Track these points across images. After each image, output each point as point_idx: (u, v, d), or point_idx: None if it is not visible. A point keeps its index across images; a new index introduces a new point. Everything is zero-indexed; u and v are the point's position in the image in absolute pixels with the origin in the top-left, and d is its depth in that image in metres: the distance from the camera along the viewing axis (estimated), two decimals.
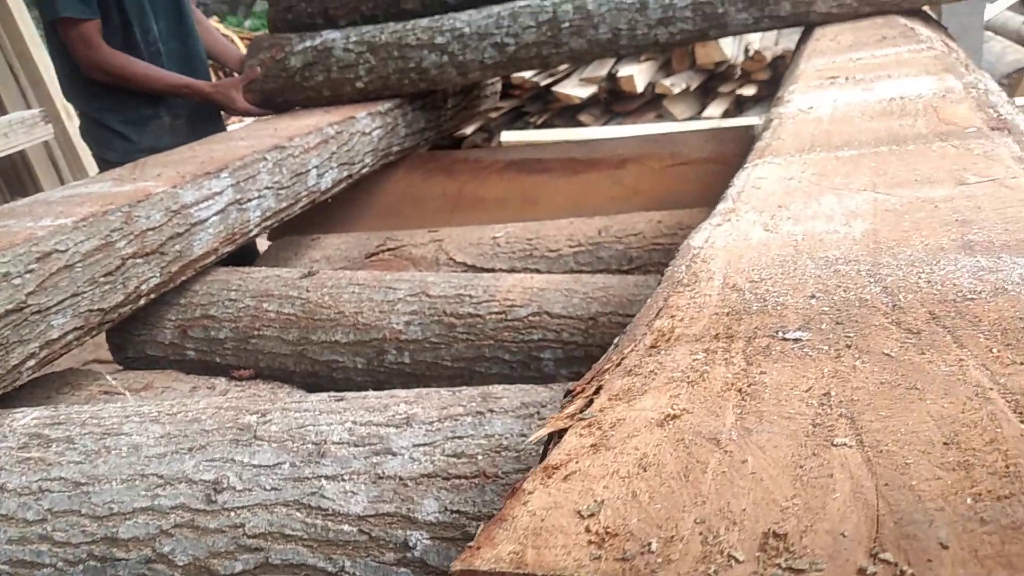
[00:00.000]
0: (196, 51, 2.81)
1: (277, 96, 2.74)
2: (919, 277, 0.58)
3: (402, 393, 1.27)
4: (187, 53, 2.77)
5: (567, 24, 2.08)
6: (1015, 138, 0.87)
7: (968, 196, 0.72)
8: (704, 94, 4.78)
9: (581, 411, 0.50)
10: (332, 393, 1.37)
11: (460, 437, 1.12)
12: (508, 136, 4.46)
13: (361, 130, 2.48)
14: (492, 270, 2.30)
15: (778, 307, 0.58)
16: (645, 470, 0.41)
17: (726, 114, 4.58)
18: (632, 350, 0.56)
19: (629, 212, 2.43)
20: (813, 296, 0.59)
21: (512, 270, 2.29)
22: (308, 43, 2.65)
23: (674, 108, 4.68)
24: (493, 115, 4.55)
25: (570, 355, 1.68)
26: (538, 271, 2.27)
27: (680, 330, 0.58)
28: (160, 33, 2.67)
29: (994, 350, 0.47)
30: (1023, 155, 0.81)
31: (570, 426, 0.48)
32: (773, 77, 4.49)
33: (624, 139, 2.71)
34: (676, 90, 4.55)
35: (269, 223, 2.20)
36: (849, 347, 0.50)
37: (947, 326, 0.50)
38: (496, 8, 2.28)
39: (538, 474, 0.43)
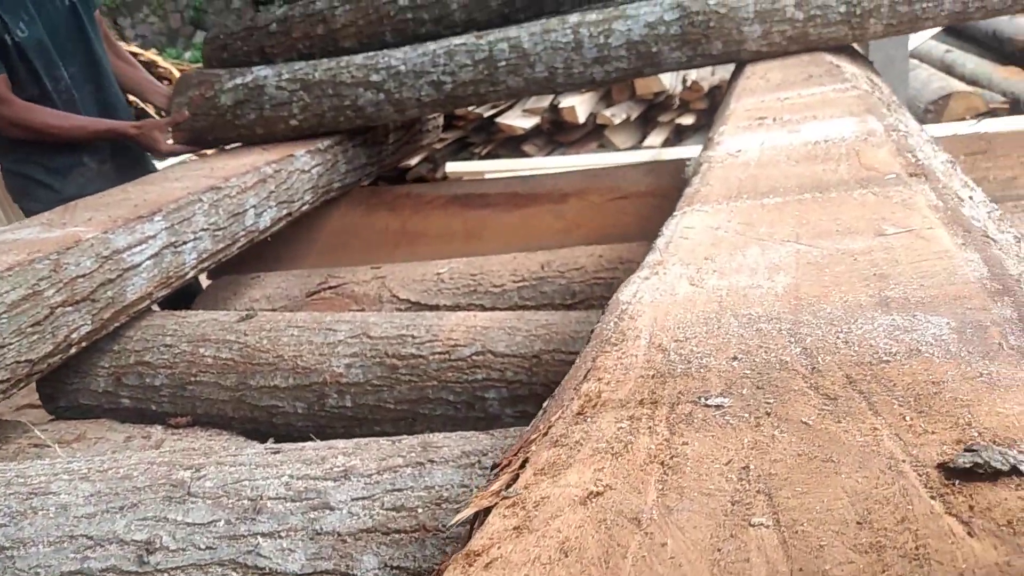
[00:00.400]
0: (113, 93, 2.70)
1: (207, 134, 2.69)
2: (837, 337, 0.59)
3: (340, 444, 1.24)
4: (103, 96, 2.67)
5: (503, 63, 2.09)
6: (931, 184, 0.89)
7: (886, 248, 0.74)
8: (644, 123, 4.86)
9: (507, 486, 0.49)
10: (268, 445, 1.34)
11: (400, 489, 1.10)
12: (453, 167, 4.47)
13: (300, 168, 2.45)
14: (436, 307, 2.29)
15: (701, 369, 0.59)
16: (566, 555, 0.41)
17: (666, 143, 4.67)
18: (559, 417, 0.56)
19: (571, 246, 2.45)
20: (735, 358, 0.59)
21: (456, 306, 2.28)
22: (239, 80, 2.61)
23: (615, 138, 4.75)
24: (437, 146, 4.56)
25: (515, 394, 1.68)
26: (482, 307, 2.26)
27: (606, 394, 0.58)
28: (72, 79, 2.55)
29: (907, 418, 0.47)
30: (939, 203, 0.83)
31: (495, 504, 0.47)
32: (711, 106, 4.60)
33: (565, 174, 2.74)
34: (617, 120, 4.63)
35: (206, 265, 2.16)
36: (769, 415, 0.51)
37: (863, 391, 0.51)
38: (431, 45, 2.27)
39: (459, 561, 0.42)
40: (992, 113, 4.81)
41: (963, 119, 4.71)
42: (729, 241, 0.85)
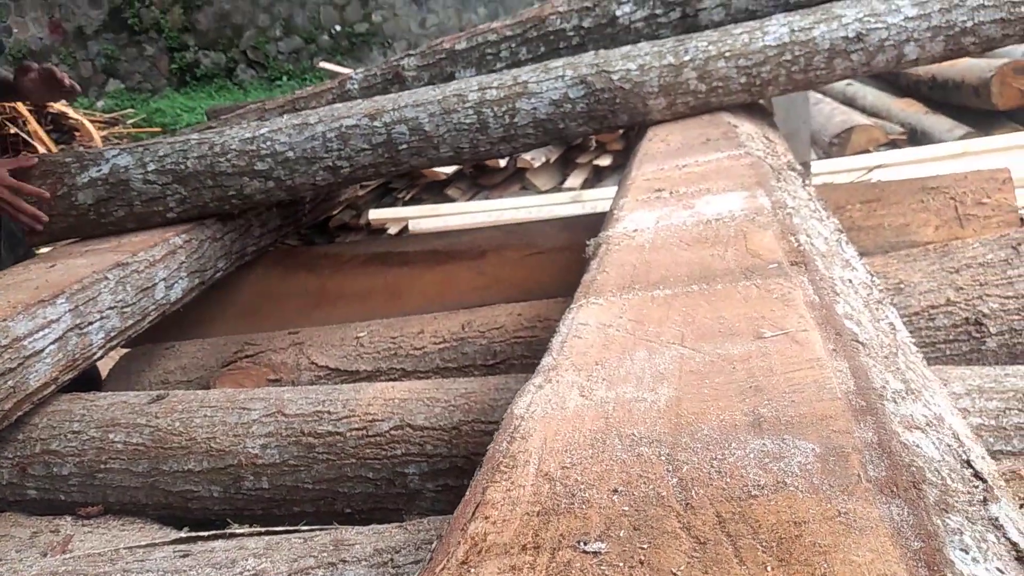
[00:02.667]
0: None
1: (71, 234, 2.39)
2: (712, 466, 0.61)
3: (251, 544, 1.22)
4: None
5: (405, 146, 2.08)
6: (811, 276, 0.93)
7: (763, 354, 0.77)
8: (564, 165, 4.94)
9: None
10: (177, 546, 1.30)
11: None
12: (376, 214, 4.46)
13: (211, 236, 2.41)
14: (356, 372, 2.27)
15: (583, 504, 0.60)
16: None
17: (585, 183, 4.75)
18: (444, 568, 0.56)
19: (491, 301, 2.46)
20: (616, 490, 0.61)
21: (377, 371, 2.26)
22: (94, 173, 2.30)
23: (536, 180, 4.82)
24: (360, 193, 4.54)
25: (435, 468, 1.67)
26: (403, 371, 2.25)
27: (492, 537, 0.58)
28: None
29: (769, 568, 0.49)
30: (815, 298, 0.87)
31: None
32: (626, 146, 4.70)
33: (483, 230, 2.76)
34: (537, 163, 4.69)
35: (114, 343, 2.09)
36: (642, 563, 0.52)
37: (731, 533, 0.53)
38: (319, 127, 2.16)
39: None
40: (892, 144, 5.05)
41: (866, 150, 4.94)
42: (619, 342, 0.87)
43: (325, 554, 1.14)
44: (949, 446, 0.63)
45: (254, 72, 10.29)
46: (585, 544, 0.55)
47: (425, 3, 10.04)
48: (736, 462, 0.61)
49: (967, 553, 0.48)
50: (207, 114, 3.44)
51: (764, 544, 0.51)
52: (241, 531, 1.49)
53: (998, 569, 0.48)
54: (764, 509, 0.55)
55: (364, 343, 2.31)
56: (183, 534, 1.61)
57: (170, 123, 8.62)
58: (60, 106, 7.22)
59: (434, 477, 1.67)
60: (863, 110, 5.87)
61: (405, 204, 4.75)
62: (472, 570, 0.55)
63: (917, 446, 0.60)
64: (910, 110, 5.61)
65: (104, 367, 2.63)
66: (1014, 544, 0.52)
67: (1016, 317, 1.72)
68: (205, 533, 1.45)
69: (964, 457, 0.63)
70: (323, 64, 8.40)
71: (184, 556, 1.22)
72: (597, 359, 0.84)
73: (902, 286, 1.80)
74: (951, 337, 1.73)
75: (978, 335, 1.73)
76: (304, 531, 1.40)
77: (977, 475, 0.60)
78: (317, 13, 10.00)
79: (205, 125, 2.88)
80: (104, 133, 7.74)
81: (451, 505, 1.65)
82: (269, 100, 2.92)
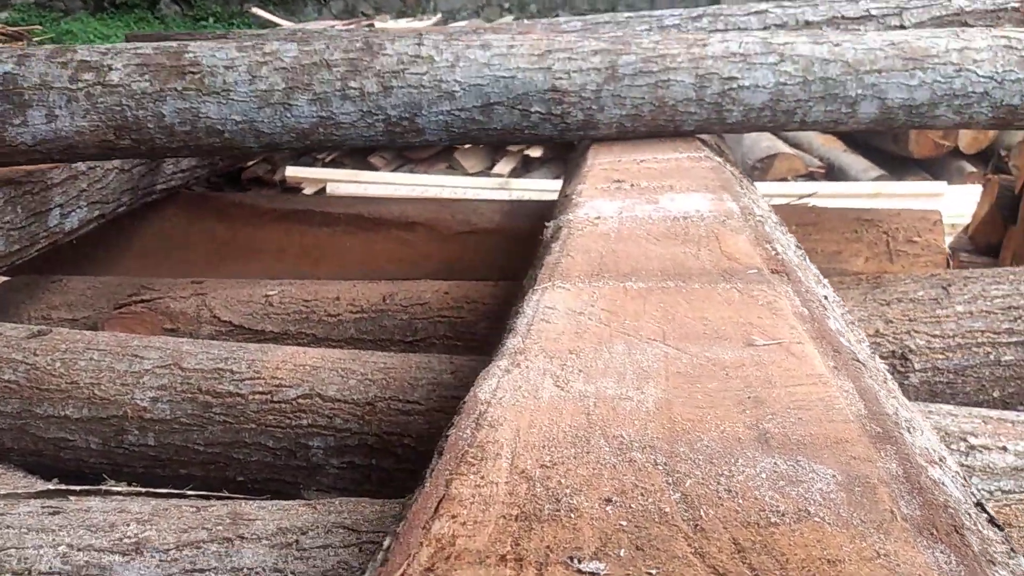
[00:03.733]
0: None
1: None
2: (719, 483, 0.53)
3: (135, 507, 1.08)
4: None
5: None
6: (794, 286, 0.88)
7: (758, 363, 0.70)
8: (495, 151, 4.85)
9: None
10: (46, 500, 1.15)
11: (202, 571, 0.96)
12: (293, 171, 4.25)
13: (118, 167, 2.21)
14: (261, 333, 2.12)
15: (572, 513, 0.51)
16: None
17: (513, 172, 4.68)
18: (404, 574, 0.47)
19: (416, 276, 2.35)
20: (609, 500, 0.52)
21: (285, 334, 2.12)
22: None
23: (465, 162, 4.71)
24: None
25: (343, 443, 1.56)
26: (314, 337, 2.11)
27: (462, 542, 0.49)
28: None
29: None
30: (803, 310, 0.81)
31: None
32: (559, 142, 4.65)
33: (414, 200, 2.64)
34: (467, 144, 4.58)
35: None
36: None
37: (754, 567, 0.46)
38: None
39: None
40: (810, 176, 5.19)
41: (785, 179, 5.06)
42: (594, 332, 0.79)
43: (220, 527, 1.01)
44: (963, 486, 0.58)
45: (178, 9, 9.74)
46: (579, 562, 0.47)
47: None
48: (747, 481, 0.53)
49: None
50: (126, 38, 3.18)
51: None
52: (119, 489, 1.34)
53: None
54: (789, 541, 0.48)
55: (274, 302, 2.16)
56: (51, 485, 1.45)
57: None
58: None
59: (340, 453, 1.55)
60: (786, 140, 6.02)
61: (325, 165, 4.56)
62: None
63: (943, 484, 0.54)
64: (830, 146, 5.78)
65: None
66: None
67: (940, 356, 1.74)
68: (77, 487, 1.29)
69: (976, 499, 0.57)
70: (255, 10, 8.03)
71: (54, 513, 1.07)
72: (570, 347, 0.76)
73: None
74: None
75: (903, 369, 1.74)
76: (192, 495, 1.27)
77: (991, 521, 0.55)
78: None
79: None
80: (5, 46, 7.16)
81: (356, 485, 1.55)
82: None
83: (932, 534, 0.48)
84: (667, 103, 1.74)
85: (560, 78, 1.75)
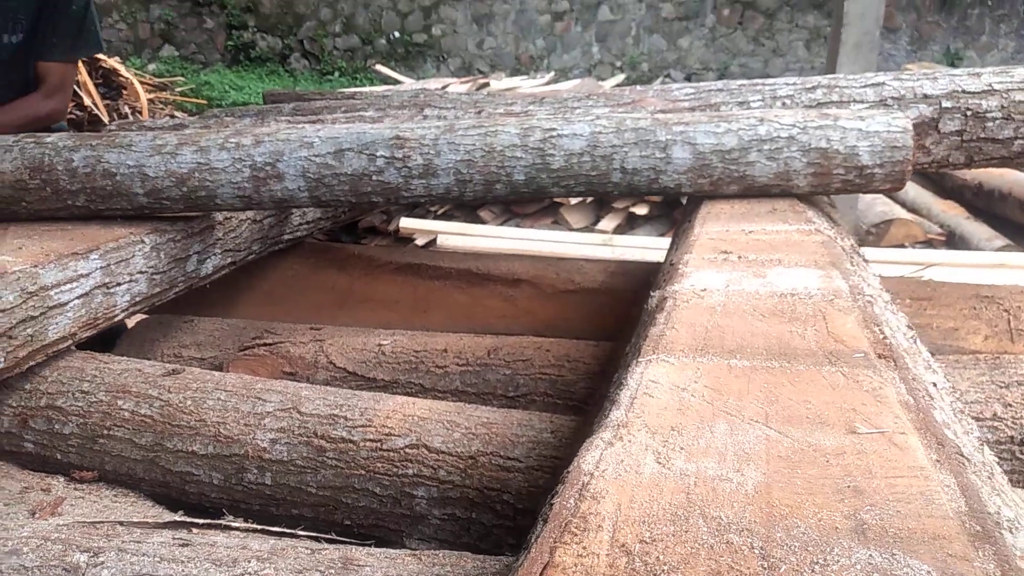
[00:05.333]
0: None
1: None
2: (813, 571, 0.56)
3: (255, 545, 1.16)
4: None
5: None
6: (900, 373, 0.88)
7: (859, 452, 0.72)
8: (599, 206, 4.91)
9: None
10: (176, 532, 1.24)
11: None
12: (407, 222, 4.43)
13: (251, 218, 2.38)
14: (373, 379, 2.22)
15: None
16: None
17: (618, 229, 4.72)
18: None
19: (518, 331, 2.41)
20: None
21: (395, 382, 2.21)
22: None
23: (570, 217, 4.79)
24: None
25: (445, 495, 1.61)
26: (422, 387, 2.20)
27: None
28: None
29: None
30: (909, 399, 0.82)
31: None
32: (665, 200, 4.67)
33: (520, 257, 2.72)
34: (573, 200, 4.66)
35: (138, 308, 2.05)
36: None
37: None
38: None
39: None
40: (929, 243, 5.00)
41: (902, 245, 4.89)
42: (696, 409, 0.82)
43: (333, 571, 1.08)
44: None
45: (307, 63, 10.36)
46: None
47: (485, 25, 10.10)
48: (841, 572, 0.55)
49: None
50: (264, 97, 3.43)
51: None
52: (238, 525, 1.43)
53: None
54: None
55: (386, 352, 2.26)
56: (178, 517, 1.56)
57: (217, 98, 8.66)
58: (113, 62, 7.27)
59: (443, 504, 1.61)
60: (904, 204, 5.83)
61: (436, 218, 4.73)
62: None
63: None
64: (951, 212, 5.56)
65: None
66: None
67: None
68: (201, 520, 1.39)
69: None
70: (378, 67, 8.45)
71: (184, 545, 1.16)
72: (672, 424, 0.79)
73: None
74: (994, 453, 1.67)
75: (1022, 455, 1.67)
76: (303, 536, 1.35)
77: None
78: (379, 16, 10.08)
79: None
80: (151, 96, 7.77)
81: (455, 536, 1.60)
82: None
83: None
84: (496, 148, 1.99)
85: (404, 131, 2.03)
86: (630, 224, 4.87)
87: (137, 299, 2.02)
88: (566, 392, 2.08)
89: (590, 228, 4.75)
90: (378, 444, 1.66)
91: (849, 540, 0.59)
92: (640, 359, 0.98)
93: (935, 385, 0.94)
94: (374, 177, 2.02)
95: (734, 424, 0.78)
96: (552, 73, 8.82)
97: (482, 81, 6.82)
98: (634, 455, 0.74)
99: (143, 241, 2.01)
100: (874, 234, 5.08)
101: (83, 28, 2.79)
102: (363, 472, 1.64)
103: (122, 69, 7.42)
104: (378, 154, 2.00)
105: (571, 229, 4.72)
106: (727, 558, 0.58)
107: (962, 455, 0.72)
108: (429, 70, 9.99)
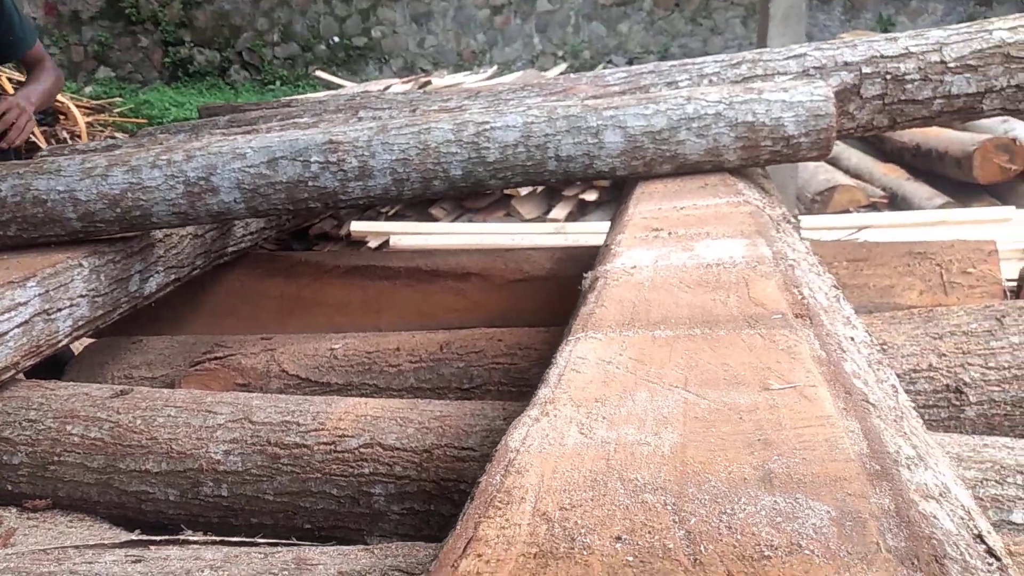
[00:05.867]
0: None
1: None
2: (720, 520, 0.58)
3: (209, 555, 1.16)
4: None
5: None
6: (816, 330, 0.92)
7: (771, 407, 0.74)
8: (551, 196, 4.94)
9: None
10: (129, 550, 1.24)
11: None
12: (358, 226, 4.42)
13: (192, 232, 2.36)
14: (327, 384, 2.22)
15: (584, 551, 0.57)
16: None
17: (570, 216, 4.75)
18: None
19: (472, 324, 2.43)
20: (619, 538, 0.58)
21: (349, 384, 2.21)
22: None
23: (521, 208, 4.81)
24: None
25: (403, 490, 1.62)
26: (376, 387, 2.20)
27: None
28: None
29: None
30: (822, 354, 0.85)
31: None
32: (613, 183, 4.72)
33: (468, 252, 2.73)
34: (523, 191, 4.68)
35: (81, 332, 2.03)
36: None
37: None
38: None
39: None
40: (873, 206, 5.12)
41: (847, 210, 5.00)
42: (620, 380, 0.84)
43: (286, 572, 1.09)
44: (962, 519, 0.61)
45: (247, 74, 10.23)
46: None
47: (425, 24, 10.07)
48: (747, 518, 0.58)
49: None
50: (199, 111, 3.39)
51: None
52: (196, 539, 1.43)
53: None
54: (778, 572, 0.52)
55: (338, 355, 2.26)
56: (134, 536, 1.55)
57: (157, 116, 8.52)
58: None
59: (401, 499, 1.62)
60: (846, 171, 5.94)
61: (388, 219, 4.72)
62: None
63: (934, 517, 0.58)
64: (892, 175, 5.68)
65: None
66: None
67: (996, 388, 1.72)
68: (158, 538, 1.39)
69: (976, 531, 0.60)
70: (319, 73, 8.39)
71: (136, 562, 1.16)
72: (597, 396, 0.81)
73: (885, 347, 1.80)
74: (931, 403, 1.73)
75: (958, 403, 1.73)
76: (262, 543, 1.35)
77: (990, 551, 0.58)
78: (317, 22, 9.99)
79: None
80: (90, 119, 7.62)
81: (416, 530, 1.61)
82: None
83: (913, 564, 0.51)
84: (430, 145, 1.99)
85: (337, 135, 2.01)
86: (581, 211, 4.90)
87: (80, 323, 1.99)
88: (520, 379, 2.10)
89: (542, 218, 4.77)
90: (332, 446, 1.67)
91: (756, 489, 0.62)
92: (570, 338, 1.00)
93: (852, 339, 0.97)
94: (310, 183, 2.01)
95: (655, 391, 0.81)
96: (495, 67, 8.83)
97: (424, 79, 6.80)
98: (558, 428, 0.76)
99: (81, 264, 1.99)
100: (819, 201, 5.18)
101: (23, 19, 3.00)
102: (319, 475, 1.64)
103: (60, 96, 7.27)
104: (312, 160, 2.00)
105: (523, 220, 4.74)
106: (641, 516, 0.60)
107: (868, 402, 0.75)
108: (372, 72, 9.94)
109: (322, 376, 2.23)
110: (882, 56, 2.05)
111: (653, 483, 0.64)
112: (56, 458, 1.77)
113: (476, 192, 4.03)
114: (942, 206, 4.81)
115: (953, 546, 0.55)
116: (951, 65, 1.94)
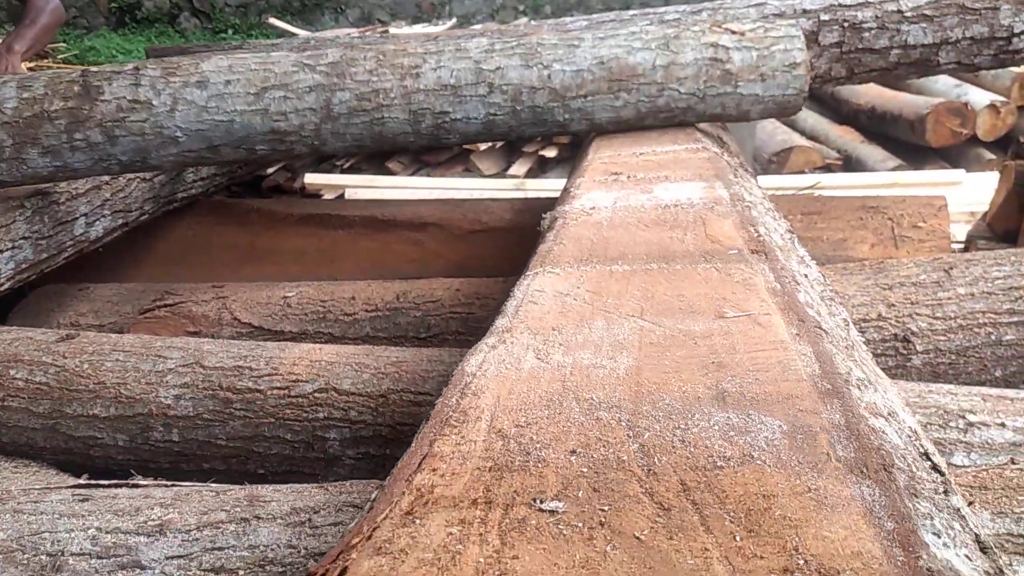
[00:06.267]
0: None
1: None
2: (674, 434, 0.58)
3: (158, 492, 1.15)
4: None
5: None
6: (771, 264, 0.92)
7: (725, 333, 0.75)
8: (510, 152, 4.90)
9: None
10: (80, 483, 1.22)
11: (221, 548, 1.03)
12: (312, 178, 4.33)
13: (140, 176, 2.29)
14: (280, 333, 2.19)
15: (539, 463, 0.57)
16: None
17: (530, 172, 4.73)
18: (386, 517, 0.52)
19: (429, 276, 2.41)
20: (574, 452, 0.58)
21: (303, 333, 2.19)
22: None
23: (481, 163, 4.76)
24: None
25: (358, 435, 1.61)
26: (331, 336, 2.18)
27: (440, 489, 0.54)
28: None
29: (737, 537, 0.47)
30: (776, 285, 0.86)
31: None
32: (573, 141, 4.70)
33: (426, 202, 2.70)
34: (483, 146, 4.64)
35: (25, 276, 1.97)
36: (602, 525, 0.49)
37: (696, 501, 0.50)
38: None
39: None
40: (828, 168, 5.18)
41: (802, 171, 5.05)
42: (577, 311, 0.84)
43: (238, 509, 1.08)
44: (908, 436, 0.62)
45: (198, 21, 9.91)
46: (541, 502, 0.52)
47: None
48: (699, 433, 0.58)
49: (939, 537, 0.47)
50: (147, 52, 3.27)
51: (732, 514, 0.49)
52: (146, 483, 1.40)
53: (966, 556, 0.47)
54: (731, 480, 0.53)
55: (292, 303, 2.23)
56: (82, 480, 1.52)
57: (103, 63, 8.23)
58: None
59: (355, 444, 1.61)
60: (803, 132, 5.99)
61: (343, 171, 4.64)
62: (417, 521, 0.51)
63: (883, 432, 0.59)
64: (847, 137, 5.75)
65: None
66: (976, 534, 0.51)
67: (942, 337, 1.77)
68: (106, 482, 1.36)
69: (922, 449, 0.62)
70: (272, 20, 8.15)
71: (83, 500, 1.14)
72: (554, 325, 0.81)
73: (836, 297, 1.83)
74: (879, 351, 1.77)
75: (905, 351, 1.77)
76: (214, 488, 1.33)
77: (935, 467, 0.60)
78: None
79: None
80: (31, 66, 7.33)
81: (371, 474, 1.60)
82: None
83: (862, 472, 0.52)
84: (386, 137, 1.85)
85: (278, 120, 1.81)
86: (541, 168, 4.88)
87: (23, 266, 1.93)
88: (478, 328, 2.08)
89: (502, 174, 4.74)
90: (286, 391, 1.65)
91: (709, 406, 0.62)
92: (528, 273, 0.99)
93: (806, 276, 0.98)
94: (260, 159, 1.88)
95: (611, 320, 0.81)
96: (454, 19, 8.68)
97: (381, 30, 6.66)
98: (515, 354, 0.75)
99: (23, 206, 1.92)
100: (775, 162, 5.22)
101: None
102: (272, 420, 1.63)
103: None
104: (257, 148, 1.86)
105: (483, 176, 4.70)
106: (596, 432, 0.60)
107: (821, 328, 0.76)
108: (328, 23, 9.69)
109: (276, 324, 2.20)
110: (840, 4, 2.06)
111: (608, 402, 0.64)
112: (0, 403, 1.72)
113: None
114: (895, 168, 4.88)
115: (901, 458, 0.56)
116: (907, 14, 1.96)
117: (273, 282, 2.40)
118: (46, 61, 7.83)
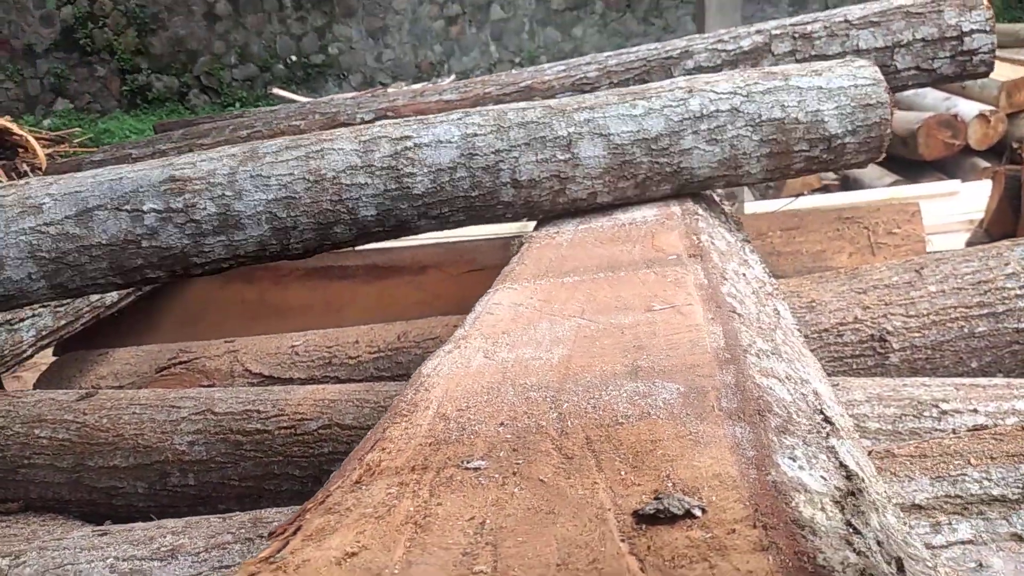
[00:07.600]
0: None
1: None
2: (588, 403, 0.67)
3: (171, 523, 1.24)
4: None
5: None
6: (704, 264, 1.01)
7: (650, 323, 0.84)
8: None
9: (277, 552, 0.54)
10: (96, 527, 1.31)
11: (228, 566, 1.11)
12: None
13: None
14: (289, 380, 2.29)
15: (472, 435, 0.65)
16: None
17: None
18: (338, 487, 0.61)
19: (431, 316, 2.51)
20: (502, 424, 0.66)
21: (311, 379, 2.29)
22: None
23: None
24: None
25: None
26: (337, 379, 2.28)
27: (386, 463, 0.63)
28: None
29: (623, 472, 0.55)
30: (704, 281, 0.95)
31: (260, 571, 0.51)
32: None
33: (424, 247, 2.82)
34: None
35: (46, 342, 2.09)
36: (515, 474, 0.58)
37: (595, 450, 0.59)
38: None
39: None
40: (825, 188, 5.26)
41: (800, 193, 5.13)
42: (527, 316, 0.93)
43: (243, 530, 1.16)
44: (804, 395, 0.71)
45: (207, 97, 10.26)
46: (468, 463, 0.61)
47: (382, 38, 10.17)
48: (610, 400, 0.67)
49: (795, 462, 0.55)
50: (155, 129, 3.45)
51: (623, 457, 0.58)
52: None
53: (822, 477, 0.55)
54: (628, 433, 0.61)
55: (299, 351, 2.33)
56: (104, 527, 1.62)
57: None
58: (4, 122, 7.11)
59: None
60: None
61: None
62: (364, 487, 0.60)
63: (770, 389, 0.67)
64: None
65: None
66: (843, 464, 0.59)
67: (917, 334, 1.84)
68: (127, 526, 1.46)
69: (818, 408, 0.70)
70: (276, 91, 8.44)
71: (102, 535, 1.23)
72: (505, 330, 0.90)
73: (814, 304, 1.91)
74: (858, 352, 1.84)
75: (883, 351, 1.83)
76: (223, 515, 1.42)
77: (827, 420, 0.68)
78: (273, 42, 10.06)
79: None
80: (49, 151, 7.63)
81: None
82: None
83: (739, 418, 0.61)
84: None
85: (182, 169, 1.49)
86: None
87: (43, 333, 2.05)
88: None
89: None
90: (292, 430, 1.74)
91: (623, 380, 0.71)
92: (489, 290, 1.09)
93: (743, 275, 1.07)
94: (144, 243, 1.48)
95: (555, 321, 0.90)
96: (453, 76, 8.93)
97: (381, 92, 6.88)
98: (467, 356, 0.84)
99: None
100: (773, 186, 5.31)
101: None
102: (281, 458, 1.72)
103: (15, 127, 7.26)
104: (146, 208, 1.46)
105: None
106: (524, 407, 0.69)
107: (735, 312, 0.85)
108: (331, 88, 10.01)
109: (285, 372, 2.30)
110: (791, 23, 2.17)
111: (539, 384, 0.73)
112: (26, 461, 1.83)
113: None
114: (892, 184, 4.96)
115: (782, 408, 0.64)
116: (854, 22, 2.06)
117: (281, 334, 2.51)
118: (63, 145, 8.14)
